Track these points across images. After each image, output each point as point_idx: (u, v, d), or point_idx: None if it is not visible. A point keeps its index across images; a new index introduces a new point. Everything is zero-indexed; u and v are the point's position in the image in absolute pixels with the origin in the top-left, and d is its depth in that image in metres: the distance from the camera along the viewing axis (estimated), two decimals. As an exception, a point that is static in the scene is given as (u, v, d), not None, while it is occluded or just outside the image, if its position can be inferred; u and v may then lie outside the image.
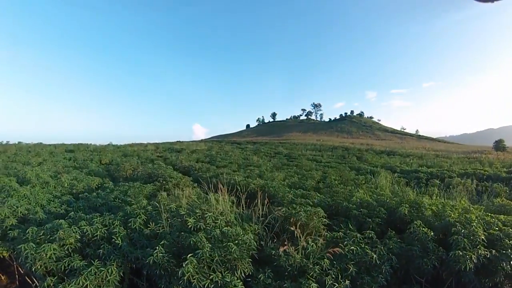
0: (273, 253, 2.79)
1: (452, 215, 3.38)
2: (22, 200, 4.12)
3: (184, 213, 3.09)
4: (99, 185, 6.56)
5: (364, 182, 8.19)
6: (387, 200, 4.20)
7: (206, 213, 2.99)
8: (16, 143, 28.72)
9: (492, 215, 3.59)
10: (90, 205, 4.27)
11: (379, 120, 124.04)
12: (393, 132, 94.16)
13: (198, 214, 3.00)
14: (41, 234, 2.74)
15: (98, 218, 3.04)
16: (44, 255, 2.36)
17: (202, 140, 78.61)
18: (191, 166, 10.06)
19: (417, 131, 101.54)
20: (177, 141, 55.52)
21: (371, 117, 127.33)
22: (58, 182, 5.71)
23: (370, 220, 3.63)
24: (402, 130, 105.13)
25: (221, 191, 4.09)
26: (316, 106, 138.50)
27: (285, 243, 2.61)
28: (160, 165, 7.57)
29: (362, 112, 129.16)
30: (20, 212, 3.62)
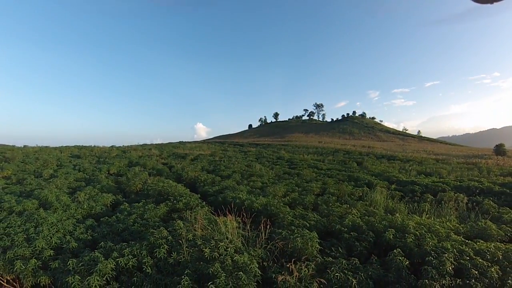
0: (273, 277, 3.34)
1: (431, 242, 3.88)
2: (52, 228, 4.66)
3: (200, 243, 3.65)
4: (113, 202, 7.15)
5: (360, 195, 8.73)
6: (376, 224, 4.71)
7: (219, 244, 3.55)
8: (22, 146, 29.59)
9: (468, 242, 4.05)
10: (113, 230, 4.84)
11: (381, 121, 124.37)
12: (395, 133, 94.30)
13: (212, 244, 3.56)
14: (80, 265, 3.30)
15: (127, 249, 3.60)
16: (89, 285, 2.91)
17: (204, 140, 79.35)
18: (196, 178, 10.64)
19: (419, 132, 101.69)
20: (180, 142, 56.24)
21: (373, 118, 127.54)
22: (78, 204, 6.31)
23: (358, 244, 4.15)
24: (404, 131, 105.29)
25: (228, 215, 4.65)
26: (318, 106, 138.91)
27: (282, 272, 3.15)
28: (170, 183, 8.12)
29: (364, 112, 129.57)
30: (54, 242, 4.18)
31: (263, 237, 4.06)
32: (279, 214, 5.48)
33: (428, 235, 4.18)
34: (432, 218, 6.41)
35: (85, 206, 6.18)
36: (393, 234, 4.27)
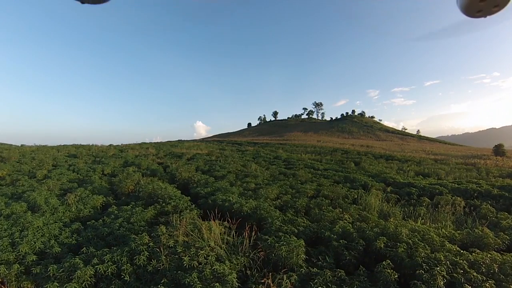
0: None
1: (423, 253, 3.71)
2: (37, 232, 4.57)
3: (180, 250, 3.52)
4: (104, 204, 7.03)
5: (355, 197, 8.57)
6: (367, 231, 4.56)
7: (199, 252, 3.42)
8: (19, 145, 29.49)
9: (463, 252, 3.86)
10: (98, 234, 4.73)
11: (380, 120, 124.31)
12: (394, 132, 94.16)
13: (193, 252, 3.43)
14: (60, 271, 3.20)
15: (108, 255, 3.49)
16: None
17: (203, 139, 79.30)
18: (190, 179, 10.49)
19: (418, 131, 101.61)
20: (179, 140, 56.07)
21: (372, 117, 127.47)
22: (66, 207, 6.19)
23: (347, 252, 3.98)
24: (403, 130, 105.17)
25: (213, 220, 4.55)
26: (318, 105, 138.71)
27: (260, 287, 3.03)
28: (160, 186, 8.00)
29: (363, 111, 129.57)
30: (38, 247, 4.09)
31: (247, 244, 3.94)
32: (267, 218, 5.32)
33: (421, 244, 4.00)
34: (428, 224, 6.23)
35: (73, 209, 6.08)
36: (384, 243, 4.11)
